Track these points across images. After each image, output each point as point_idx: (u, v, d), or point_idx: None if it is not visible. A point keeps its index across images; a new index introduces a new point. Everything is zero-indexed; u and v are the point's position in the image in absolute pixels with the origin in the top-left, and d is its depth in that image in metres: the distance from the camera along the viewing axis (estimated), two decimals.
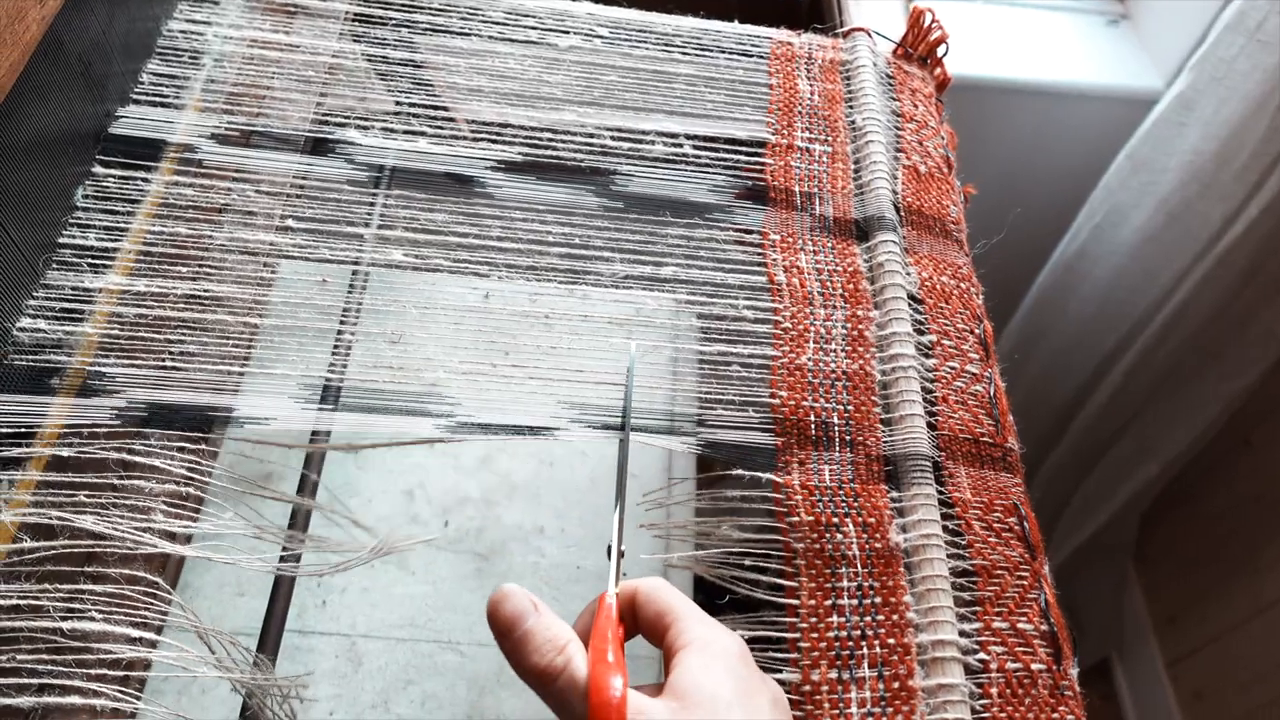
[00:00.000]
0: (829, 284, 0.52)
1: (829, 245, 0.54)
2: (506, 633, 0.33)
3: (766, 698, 0.34)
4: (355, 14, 0.61)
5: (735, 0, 0.78)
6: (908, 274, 0.53)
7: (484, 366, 0.51)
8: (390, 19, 0.61)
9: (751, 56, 0.63)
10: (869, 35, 0.65)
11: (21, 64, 0.41)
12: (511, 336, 0.95)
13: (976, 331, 0.53)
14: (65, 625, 0.38)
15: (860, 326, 0.51)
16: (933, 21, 0.66)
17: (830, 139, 0.59)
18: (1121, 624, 1.69)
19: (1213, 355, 1.27)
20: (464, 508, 0.79)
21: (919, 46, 0.67)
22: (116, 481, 0.41)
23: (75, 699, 0.37)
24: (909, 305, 0.52)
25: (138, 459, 0.42)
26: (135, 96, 0.54)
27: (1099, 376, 1.39)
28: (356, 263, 0.51)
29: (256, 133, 0.54)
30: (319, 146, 0.54)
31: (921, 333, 0.51)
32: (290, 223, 0.51)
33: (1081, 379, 1.42)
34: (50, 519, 0.40)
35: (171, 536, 0.41)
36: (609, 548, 0.38)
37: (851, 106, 0.61)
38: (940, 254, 0.56)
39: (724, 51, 0.63)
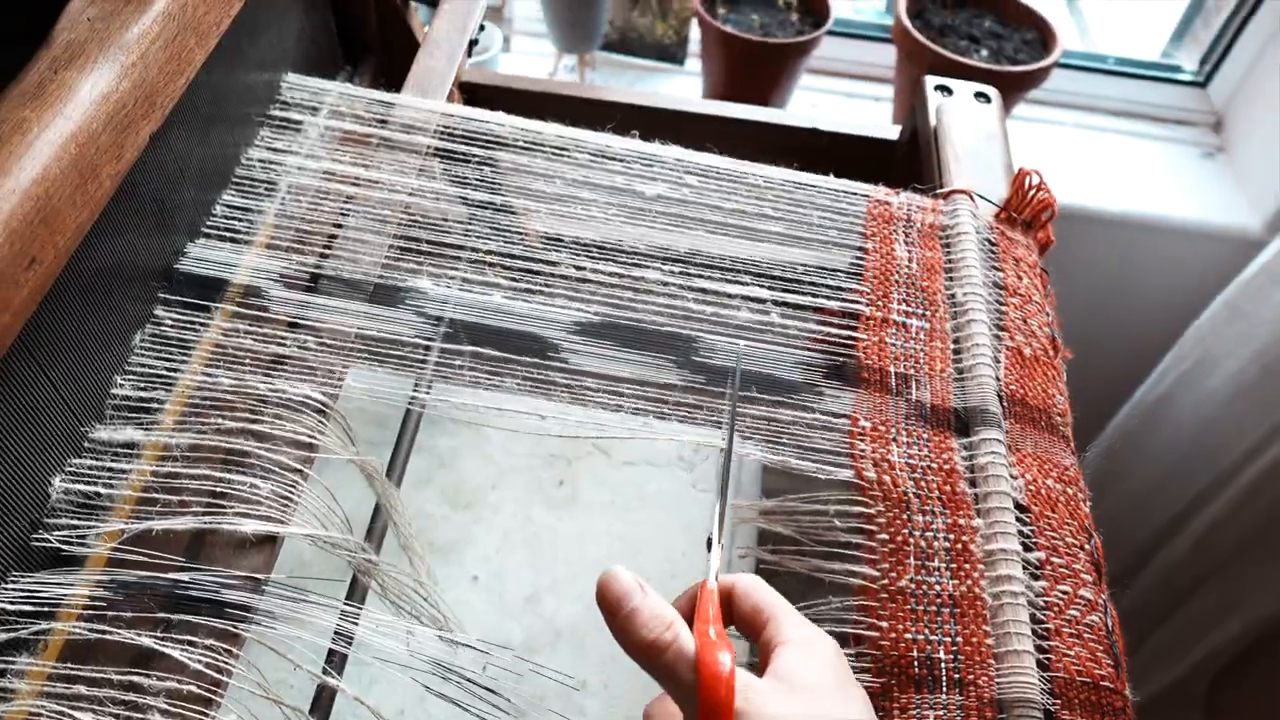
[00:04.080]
0: (924, 484, 0.47)
1: (924, 437, 0.49)
2: (615, 610, 0.35)
3: (860, 696, 0.35)
4: (437, 149, 0.59)
5: (826, 141, 0.75)
6: (1012, 478, 0.48)
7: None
8: (473, 155, 0.59)
9: (846, 216, 0.59)
10: (971, 198, 0.61)
11: (89, 224, 0.39)
12: (568, 461, 0.91)
13: (1088, 547, 0.48)
14: None
15: (964, 538, 0.46)
16: (1039, 184, 0.62)
17: (928, 313, 0.55)
18: None
19: None
20: (504, 652, 0.74)
21: (1024, 211, 0.63)
22: (131, 678, 0.37)
23: None
24: (1014, 515, 0.47)
25: (161, 648, 0.38)
26: (205, 230, 0.53)
27: (1179, 525, 1.31)
28: (411, 404, 0.48)
29: (324, 276, 0.52)
30: (388, 295, 0.52)
31: (1028, 549, 0.46)
32: (350, 381, 0.48)
33: (1159, 525, 1.34)
34: (59, 712, 0.36)
35: None
36: (709, 539, 0.39)
37: (951, 278, 0.57)
38: (1045, 453, 0.51)
39: (818, 209, 0.59)
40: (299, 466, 0.44)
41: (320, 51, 0.68)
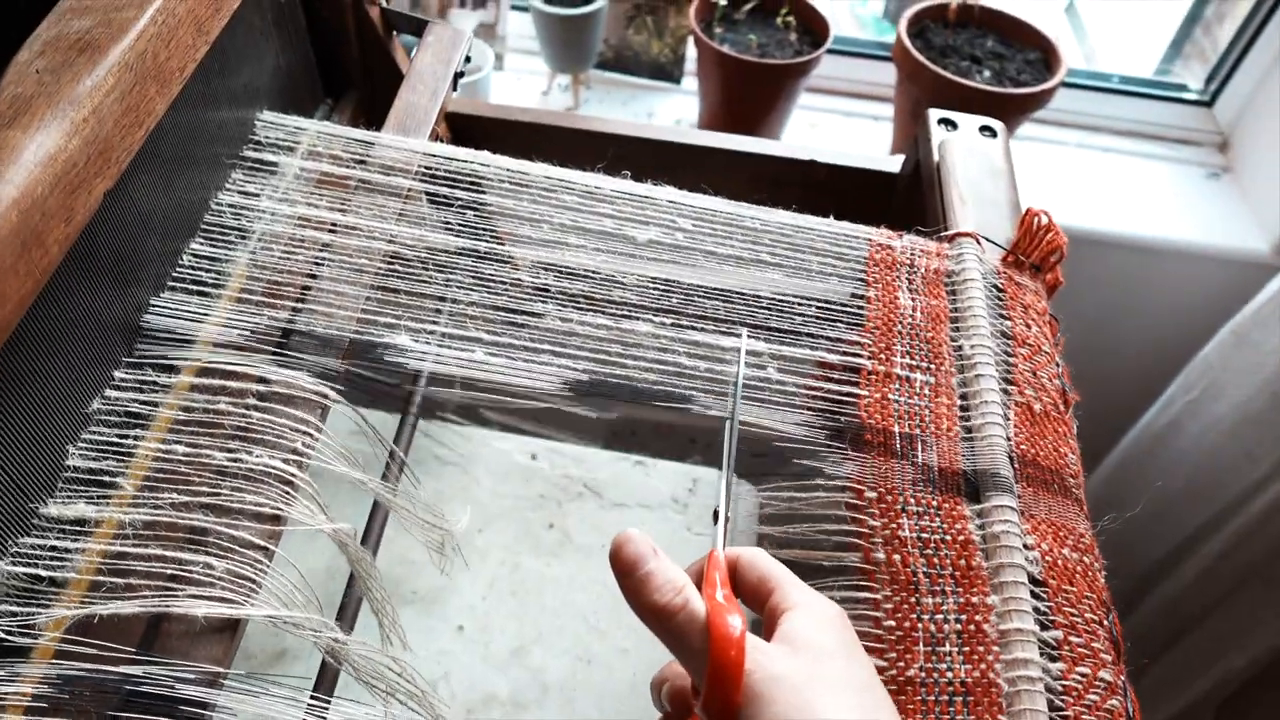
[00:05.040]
0: (936, 561, 0.44)
1: (934, 505, 0.47)
2: (628, 572, 0.35)
3: (865, 659, 0.36)
4: (418, 191, 0.56)
5: (824, 173, 0.73)
6: (1026, 548, 0.45)
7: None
8: (456, 199, 0.56)
9: (847, 260, 0.57)
10: (977, 240, 0.59)
11: (34, 294, 0.36)
12: (558, 503, 0.87)
13: (1106, 623, 0.45)
14: None
15: (977, 618, 0.43)
16: (1048, 225, 0.60)
17: (934, 366, 0.52)
18: None
19: None
20: (489, 708, 0.71)
21: (1032, 253, 0.60)
22: None
23: None
24: (1029, 590, 0.44)
25: None
26: (171, 283, 0.50)
27: (1184, 553, 1.28)
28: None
29: (297, 332, 0.49)
30: (364, 352, 0.49)
31: (1045, 627, 0.43)
32: (313, 452, 0.45)
33: (1163, 553, 1.31)
34: None
35: None
36: (715, 512, 0.40)
37: (958, 328, 0.54)
38: (1059, 518, 0.48)
39: (817, 253, 0.57)
40: (263, 543, 0.41)
41: (298, 86, 0.65)
